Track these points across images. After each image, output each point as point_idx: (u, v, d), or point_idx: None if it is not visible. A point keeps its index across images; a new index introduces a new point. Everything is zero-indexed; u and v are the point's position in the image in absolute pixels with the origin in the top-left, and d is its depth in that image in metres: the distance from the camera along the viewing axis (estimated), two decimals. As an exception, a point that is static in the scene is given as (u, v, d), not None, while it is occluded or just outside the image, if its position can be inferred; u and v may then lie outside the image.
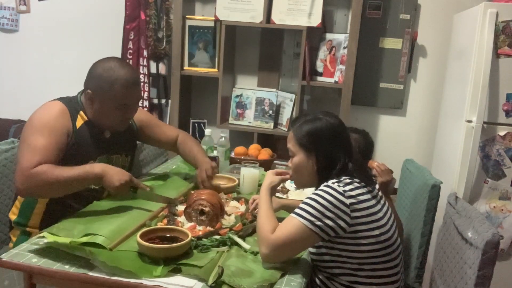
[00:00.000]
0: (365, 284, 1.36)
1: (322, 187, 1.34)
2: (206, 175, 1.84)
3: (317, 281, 1.44)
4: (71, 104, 1.69)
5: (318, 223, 1.28)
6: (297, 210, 1.32)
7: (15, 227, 1.72)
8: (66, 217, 1.54)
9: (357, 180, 1.36)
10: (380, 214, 1.37)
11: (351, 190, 1.32)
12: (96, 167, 1.57)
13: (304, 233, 1.29)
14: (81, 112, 1.70)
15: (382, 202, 1.42)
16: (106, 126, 1.74)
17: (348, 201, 1.30)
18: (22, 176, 1.50)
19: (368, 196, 1.35)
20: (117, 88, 1.63)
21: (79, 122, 1.68)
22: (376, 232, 1.34)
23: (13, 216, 1.71)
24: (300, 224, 1.29)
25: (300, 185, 1.55)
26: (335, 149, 1.40)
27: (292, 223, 1.30)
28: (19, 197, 1.71)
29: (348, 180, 1.35)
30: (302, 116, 1.49)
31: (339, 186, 1.32)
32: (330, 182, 1.34)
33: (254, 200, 1.68)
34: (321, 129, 1.41)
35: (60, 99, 1.71)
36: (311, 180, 1.45)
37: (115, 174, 1.57)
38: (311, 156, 1.41)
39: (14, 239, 1.71)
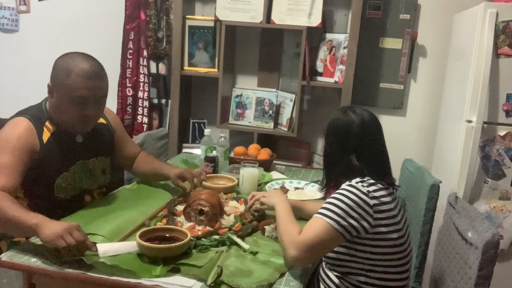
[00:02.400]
0: (375, 286, 1.35)
1: (346, 186, 1.33)
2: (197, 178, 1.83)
3: (326, 278, 1.43)
4: (36, 117, 1.61)
5: (343, 222, 1.28)
6: (321, 210, 1.31)
7: (3, 239, 1.65)
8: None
9: (381, 182, 1.35)
10: (399, 218, 1.36)
11: (374, 191, 1.31)
12: (34, 217, 1.31)
13: (330, 232, 1.28)
14: (47, 123, 1.62)
15: (399, 205, 1.41)
16: (68, 126, 1.62)
17: (372, 202, 1.29)
18: None
19: (389, 199, 1.34)
20: (73, 77, 1.52)
21: (46, 136, 1.60)
22: (395, 235, 1.33)
23: None
24: (326, 223, 1.28)
25: None
26: (338, 145, 1.40)
27: (318, 223, 1.29)
28: None
29: (372, 181, 1.34)
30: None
31: (363, 186, 1.31)
32: (354, 182, 1.33)
33: (253, 196, 1.68)
34: (331, 123, 1.44)
35: (24, 114, 1.62)
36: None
37: (57, 224, 1.29)
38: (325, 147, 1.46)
39: (4, 250, 1.63)
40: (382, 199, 1.32)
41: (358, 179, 1.34)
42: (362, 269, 1.35)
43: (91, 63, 1.57)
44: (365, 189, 1.30)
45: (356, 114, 1.42)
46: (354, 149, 1.39)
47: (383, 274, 1.35)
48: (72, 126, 1.62)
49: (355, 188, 1.31)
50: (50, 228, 1.26)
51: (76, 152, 1.68)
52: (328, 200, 1.33)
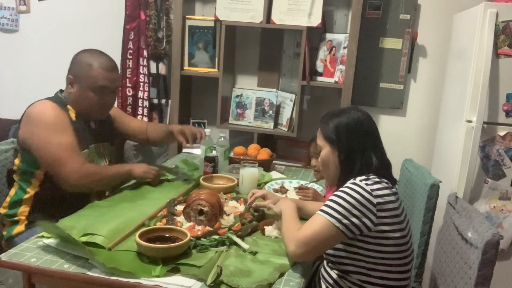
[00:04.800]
0: (376, 285, 1.35)
1: (349, 184, 1.33)
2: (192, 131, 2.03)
3: (327, 277, 1.43)
4: (57, 101, 1.78)
5: (345, 221, 1.28)
6: (324, 208, 1.31)
7: (4, 219, 1.79)
8: (55, 208, 1.68)
9: (385, 180, 1.35)
10: (402, 217, 1.36)
11: (378, 189, 1.31)
12: (125, 166, 1.87)
13: (330, 230, 1.28)
14: (69, 106, 1.81)
15: (402, 204, 1.41)
16: (87, 112, 1.82)
17: (375, 201, 1.29)
18: (77, 174, 1.68)
19: (393, 198, 1.34)
20: (95, 69, 1.77)
21: (72, 115, 1.80)
22: (398, 234, 1.33)
23: (3, 210, 1.79)
24: (327, 221, 1.28)
25: (329, 180, 1.53)
26: (359, 143, 1.39)
27: (319, 221, 1.30)
28: (10, 192, 1.80)
29: (377, 179, 1.33)
30: (331, 111, 1.50)
31: (367, 184, 1.31)
32: (358, 180, 1.33)
33: (253, 194, 1.67)
34: (345, 123, 1.41)
35: (45, 99, 1.80)
36: (337, 174, 1.44)
37: (142, 166, 1.88)
38: (335, 149, 1.42)
39: (4, 232, 1.78)
40: (386, 197, 1.31)
41: (362, 177, 1.34)
42: (363, 268, 1.35)
43: (108, 57, 1.83)
44: (369, 188, 1.30)
45: (358, 112, 1.44)
46: (372, 146, 1.40)
47: (385, 273, 1.35)
48: (91, 112, 1.83)
49: (359, 186, 1.31)
50: (140, 169, 1.85)
51: (91, 135, 1.86)
52: (331, 197, 1.33)
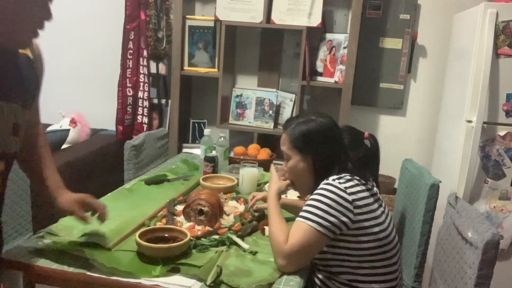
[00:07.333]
0: (364, 283, 1.36)
1: (323, 185, 1.34)
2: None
3: (317, 280, 1.44)
4: None
5: (325, 223, 1.28)
6: (303, 214, 1.32)
7: None
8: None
9: (357, 178, 1.36)
10: (379, 212, 1.37)
11: (352, 186, 1.32)
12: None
13: (314, 236, 1.29)
14: None
15: (379, 200, 1.42)
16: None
17: (350, 198, 1.30)
18: None
19: (367, 194, 1.35)
20: None
21: None
22: (376, 229, 1.34)
23: None
24: (309, 227, 1.29)
25: (302, 190, 1.52)
26: (330, 149, 1.40)
27: (302, 229, 1.30)
28: None
29: (348, 177, 1.35)
30: (295, 118, 1.49)
31: (340, 183, 1.32)
32: (330, 179, 1.34)
33: (254, 197, 1.67)
34: (315, 130, 1.41)
35: None
36: (309, 182, 1.43)
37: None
38: (306, 158, 1.41)
39: None
40: (359, 194, 1.33)
41: (335, 176, 1.35)
42: (348, 267, 1.36)
43: None
44: (342, 186, 1.31)
45: (323, 117, 1.44)
46: (343, 150, 1.41)
47: (371, 269, 1.36)
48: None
49: (333, 186, 1.32)
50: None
51: None
52: (308, 202, 1.34)
